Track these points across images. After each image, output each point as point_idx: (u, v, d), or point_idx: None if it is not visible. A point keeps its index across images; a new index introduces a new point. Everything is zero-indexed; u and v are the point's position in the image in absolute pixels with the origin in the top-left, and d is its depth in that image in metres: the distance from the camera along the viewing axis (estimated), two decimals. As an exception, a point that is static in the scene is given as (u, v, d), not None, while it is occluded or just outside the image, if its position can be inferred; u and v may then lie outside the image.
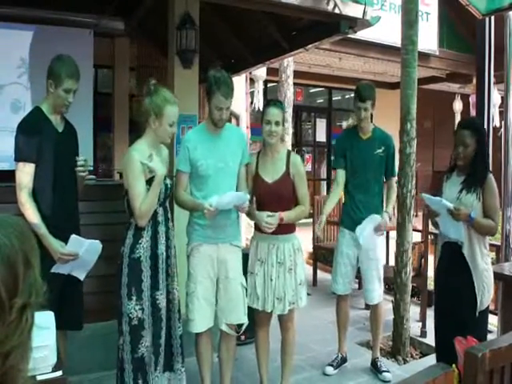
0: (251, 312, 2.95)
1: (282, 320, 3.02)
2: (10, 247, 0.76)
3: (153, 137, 2.57)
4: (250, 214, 2.92)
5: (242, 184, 2.87)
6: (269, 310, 2.88)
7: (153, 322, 2.50)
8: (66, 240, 2.53)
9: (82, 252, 2.46)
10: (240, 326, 2.84)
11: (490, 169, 2.85)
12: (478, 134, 2.76)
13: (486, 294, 2.75)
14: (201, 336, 2.81)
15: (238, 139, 2.90)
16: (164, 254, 2.58)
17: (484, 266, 2.75)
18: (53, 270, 2.43)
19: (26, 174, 2.45)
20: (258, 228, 2.92)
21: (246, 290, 2.87)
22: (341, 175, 3.52)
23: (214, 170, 2.73)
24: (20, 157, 2.47)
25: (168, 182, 2.63)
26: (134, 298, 2.46)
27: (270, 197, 2.87)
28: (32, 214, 2.41)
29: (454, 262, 2.80)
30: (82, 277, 2.61)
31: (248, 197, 2.71)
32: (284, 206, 2.86)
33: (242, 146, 2.89)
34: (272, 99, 3.25)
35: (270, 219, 2.75)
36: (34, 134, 2.48)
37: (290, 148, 6.38)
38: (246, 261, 2.96)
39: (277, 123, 2.82)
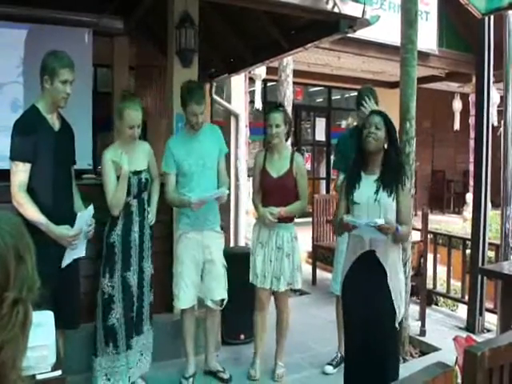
0: (247, 302, 3.41)
1: (278, 303, 3.38)
2: (2, 243, 0.77)
3: (122, 139, 2.95)
4: (255, 207, 3.35)
5: (222, 175, 3.25)
6: (267, 287, 3.26)
7: (123, 297, 2.88)
8: (66, 247, 2.55)
9: (85, 225, 2.57)
10: (222, 301, 3.26)
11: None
12: (389, 125, 2.60)
13: (402, 303, 2.58)
14: (185, 312, 3.23)
15: (213, 137, 3.25)
16: (137, 240, 2.93)
17: (401, 274, 2.61)
18: (64, 265, 2.48)
19: (22, 173, 2.45)
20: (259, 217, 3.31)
21: (228, 270, 3.26)
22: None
23: (195, 167, 3.12)
24: (15, 156, 2.46)
25: (143, 176, 2.95)
26: (108, 276, 2.86)
27: (274, 189, 3.25)
28: (33, 212, 2.42)
29: (370, 270, 2.57)
30: (83, 253, 2.67)
31: (226, 191, 3.11)
32: (286, 199, 3.24)
33: (217, 142, 3.26)
34: (273, 103, 3.61)
35: (271, 217, 3.15)
36: (29, 132, 2.47)
37: (289, 147, 6.39)
38: (244, 259, 3.38)
39: (277, 126, 3.20)
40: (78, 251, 2.61)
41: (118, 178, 2.83)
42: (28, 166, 2.46)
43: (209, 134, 3.24)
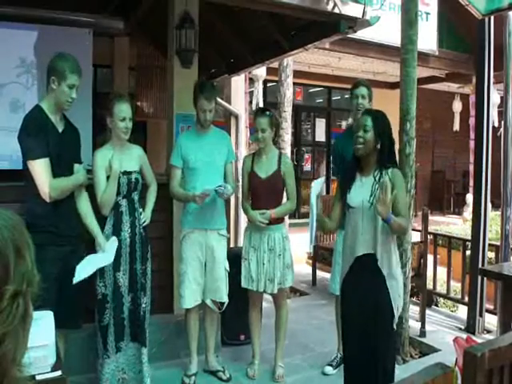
0: (246, 303, 3.41)
1: (276, 299, 3.39)
2: (0, 237, 0.78)
3: (115, 138, 2.95)
4: (245, 211, 3.35)
5: (229, 178, 3.30)
6: (261, 290, 3.27)
7: (114, 297, 2.87)
8: (68, 247, 2.57)
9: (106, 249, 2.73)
10: (222, 304, 3.29)
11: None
12: (379, 124, 2.50)
13: (400, 304, 2.55)
14: (190, 311, 3.27)
15: (223, 140, 3.35)
16: (128, 239, 2.89)
17: (398, 274, 2.55)
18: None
19: (44, 170, 2.45)
20: (250, 220, 3.30)
21: (229, 273, 3.27)
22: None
23: (202, 163, 3.17)
24: (33, 155, 2.45)
25: (134, 176, 2.93)
26: (99, 276, 2.84)
27: (263, 190, 3.26)
28: (66, 183, 2.55)
29: (368, 271, 2.51)
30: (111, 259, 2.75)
31: (229, 187, 3.10)
32: (275, 200, 3.28)
33: (227, 146, 3.34)
34: (260, 107, 3.73)
35: (262, 218, 3.15)
36: (40, 130, 2.48)
37: (289, 147, 6.40)
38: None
39: (263, 130, 3.22)
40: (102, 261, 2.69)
41: (108, 177, 2.84)
42: (47, 160, 2.46)
43: (219, 137, 3.32)
